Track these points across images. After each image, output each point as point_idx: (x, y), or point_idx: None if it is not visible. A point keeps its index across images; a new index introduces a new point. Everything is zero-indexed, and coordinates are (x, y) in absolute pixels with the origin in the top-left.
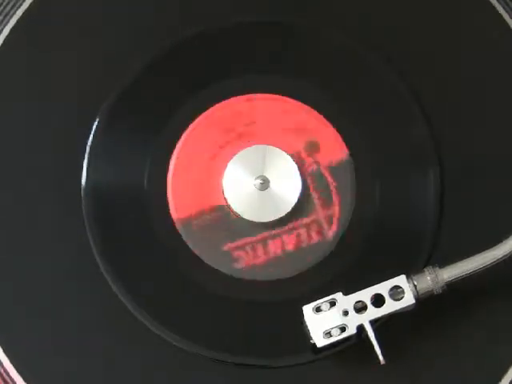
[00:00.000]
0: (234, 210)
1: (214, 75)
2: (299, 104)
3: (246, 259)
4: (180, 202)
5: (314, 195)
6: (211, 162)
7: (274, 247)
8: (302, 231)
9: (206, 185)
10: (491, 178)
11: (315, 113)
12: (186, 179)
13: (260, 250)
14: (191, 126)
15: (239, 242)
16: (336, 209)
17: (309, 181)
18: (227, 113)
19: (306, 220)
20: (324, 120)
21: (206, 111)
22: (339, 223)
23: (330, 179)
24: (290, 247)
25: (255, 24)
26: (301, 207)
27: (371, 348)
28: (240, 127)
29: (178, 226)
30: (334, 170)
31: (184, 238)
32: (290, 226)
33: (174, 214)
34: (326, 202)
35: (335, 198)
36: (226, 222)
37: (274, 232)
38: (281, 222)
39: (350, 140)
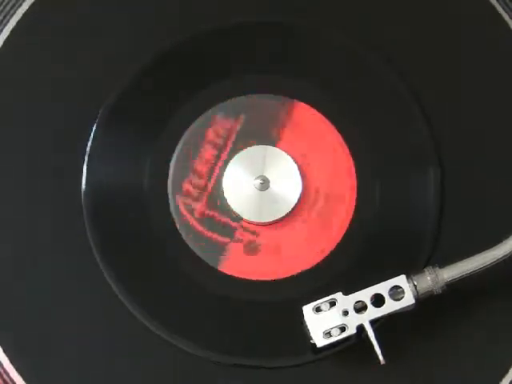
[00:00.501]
0: (234, 210)
1: (213, 75)
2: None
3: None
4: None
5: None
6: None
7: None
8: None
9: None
10: (491, 177)
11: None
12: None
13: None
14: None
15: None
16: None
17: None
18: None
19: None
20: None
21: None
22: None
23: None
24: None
25: (255, 24)
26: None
27: (371, 348)
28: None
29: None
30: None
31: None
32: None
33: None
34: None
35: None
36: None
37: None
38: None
39: (350, 140)
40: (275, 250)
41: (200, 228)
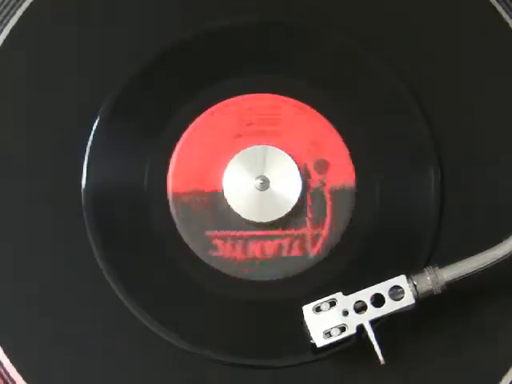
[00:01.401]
0: (234, 210)
1: (213, 75)
2: (298, 103)
3: (246, 259)
4: (180, 202)
5: (314, 195)
6: (211, 162)
7: (273, 247)
8: (303, 230)
9: (205, 185)
10: (491, 178)
11: (315, 113)
12: (186, 179)
13: (261, 250)
14: (191, 126)
15: (240, 243)
16: (336, 209)
17: (308, 181)
18: (227, 113)
19: (306, 220)
20: (324, 120)
21: (205, 111)
22: (339, 223)
23: (329, 179)
24: (290, 247)
25: (255, 24)
26: (301, 208)
27: (371, 348)
28: (240, 127)
29: (178, 226)
30: (334, 169)
31: (184, 238)
32: (291, 225)
33: (174, 213)
34: (326, 202)
35: (335, 199)
36: (226, 221)
37: (274, 232)
38: (281, 221)
39: (350, 140)
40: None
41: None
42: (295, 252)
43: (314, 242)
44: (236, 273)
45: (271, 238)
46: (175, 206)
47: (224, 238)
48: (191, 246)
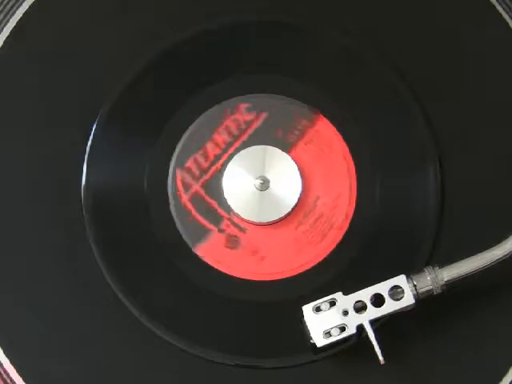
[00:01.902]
0: (234, 210)
1: (213, 75)
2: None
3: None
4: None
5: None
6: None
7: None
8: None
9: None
10: (491, 177)
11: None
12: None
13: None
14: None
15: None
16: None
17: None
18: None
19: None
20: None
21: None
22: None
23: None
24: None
25: (255, 24)
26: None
27: (371, 348)
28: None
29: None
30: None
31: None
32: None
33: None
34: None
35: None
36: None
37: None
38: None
39: (350, 140)
40: (275, 249)
41: (190, 207)
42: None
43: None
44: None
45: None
46: (175, 206)
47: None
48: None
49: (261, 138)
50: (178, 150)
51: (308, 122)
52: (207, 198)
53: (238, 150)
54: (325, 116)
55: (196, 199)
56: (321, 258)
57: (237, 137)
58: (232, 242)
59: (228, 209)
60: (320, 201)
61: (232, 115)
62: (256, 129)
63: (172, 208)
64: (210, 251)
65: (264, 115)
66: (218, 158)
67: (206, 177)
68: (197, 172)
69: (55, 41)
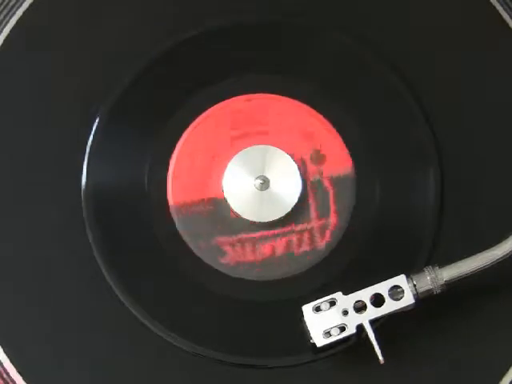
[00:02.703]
0: (234, 210)
1: (213, 75)
2: (298, 104)
3: (246, 259)
4: (180, 202)
5: (314, 195)
6: (211, 162)
7: (273, 247)
8: (303, 231)
9: (205, 185)
10: (491, 177)
11: (315, 113)
12: (186, 179)
13: (260, 250)
14: (191, 126)
15: (239, 242)
16: (336, 209)
17: (309, 181)
18: (227, 113)
19: (306, 220)
20: (324, 120)
21: (205, 111)
22: (339, 223)
23: (329, 179)
24: (289, 247)
25: (255, 24)
26: (301, 207)
27: (371, 348)
28: (240, 127)
29: (178, 226)
30: (334, 170)
31: (184, 238)
32: (290, 225)
33: (174, 213)
34: (326, 203)
35: (335, 199)
36: (225, 221)
37: (273, 232)
38: (281, 222)
39: (350, 140)
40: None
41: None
42: (314, 238)
43: (329, 223)
44: (236, 273)
45: (276, 236)
46: (176, 210)
47: (225, 237)
48: (191, 245)
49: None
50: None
51: None
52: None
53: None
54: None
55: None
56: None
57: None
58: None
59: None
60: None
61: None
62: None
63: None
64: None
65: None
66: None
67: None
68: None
69: (55, 41)
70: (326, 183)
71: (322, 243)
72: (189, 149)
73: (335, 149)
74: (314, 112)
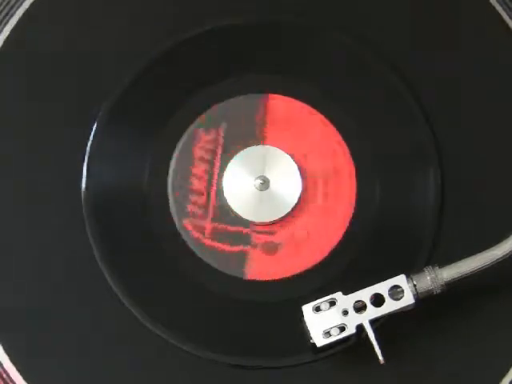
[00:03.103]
0: (234, 209)
1: (213, 75)
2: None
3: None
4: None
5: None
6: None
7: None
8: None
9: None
10: (491, 177)
11: (315, 113)
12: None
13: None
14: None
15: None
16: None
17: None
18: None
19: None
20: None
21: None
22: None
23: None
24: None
25: (255, 24)
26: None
27: (371, 348)
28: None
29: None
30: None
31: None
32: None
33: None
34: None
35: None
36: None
37: (273, 232)
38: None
39: (349, 140)
40: (275, 249)
41: (214, 243)
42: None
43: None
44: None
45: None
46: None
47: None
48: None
49: (239, 144)
50: (178, 150)
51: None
52: (224, 227)
53: (222, 168)
54: (324, 116)
55: (216, 234)
56: (321, 258)
57: (212, 161)
58: (271, 249)
59: (246, 223)
60: (320, 200)
61: (197, 144)
62: (225, 143)
63: (172, 209)
64: (259, 268)
65: (223, 127)
66: (208, 189)
67: (211, 208)
68: (200, 211)
69: (55, 41)
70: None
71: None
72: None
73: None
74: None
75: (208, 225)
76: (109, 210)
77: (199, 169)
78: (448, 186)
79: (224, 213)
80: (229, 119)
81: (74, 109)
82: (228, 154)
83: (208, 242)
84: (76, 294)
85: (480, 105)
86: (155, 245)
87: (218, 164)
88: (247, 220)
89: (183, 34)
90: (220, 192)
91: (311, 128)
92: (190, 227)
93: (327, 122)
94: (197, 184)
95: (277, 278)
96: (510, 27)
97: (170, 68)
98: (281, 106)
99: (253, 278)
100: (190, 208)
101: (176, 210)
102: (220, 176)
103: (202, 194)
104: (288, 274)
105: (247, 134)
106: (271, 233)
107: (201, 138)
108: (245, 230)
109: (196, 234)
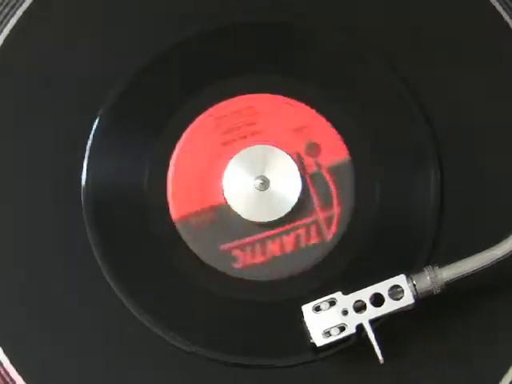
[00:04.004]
0: (234, 209)
1: (213, 75)
2: (299, 104)
3: (245, 259)
4: (180, 202)
5: (314, 195)
6: (211, 162)
7: (273, 247)
8: (302, 231)
9: (205, 185)
10: (491, 177)
11: (315, 113)
12: (186, 179)
13: (259, 250)
14: (191, 126)
15: (238, 242)
16: (336, 209)
17: (309, 181)
18: (227, 113)
19: (305, 220)
20: (324, 120)
21: (205, 111)
22: (339, 223)
23: (329, 180)
24: (289, 247)
25: (255, 24)
26: (301, 207)
27: (371, 347)
28: (240, 127)
29: (178, 226)
30: (334, 170)
31: (184, 237)
32: (290, 226)
33: (174, 213)
34: (326, 203)
35: (335, 199)
36: (225, 221)
37: (273, 232)
38: (280, 222)
39: (350, 140)
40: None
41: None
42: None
43: (328, 223)
44: (236, 273)
45: (277, 235)
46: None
47: (225, 237)
48: (191, 245)
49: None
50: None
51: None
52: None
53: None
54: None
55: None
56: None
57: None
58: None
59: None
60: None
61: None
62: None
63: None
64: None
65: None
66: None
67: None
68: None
69: (55, 41)
70: (326, 182)
71: (321, 243)
72: (189, 149)
73: (335, 149)
74: (314, 112)
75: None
76: (109, 209)
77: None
78: (448, 186)
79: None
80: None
81: (74, 109)
82: (237, 148)
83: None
84: (76, 294)
85: (480, 105)
86: (155, 245)
87: (224, 156)
88: (247, 220)
89: (183, 34)
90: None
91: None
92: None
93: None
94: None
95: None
96: (510, 27)
97: (170, 68)
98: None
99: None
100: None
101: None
102: (223, 169)
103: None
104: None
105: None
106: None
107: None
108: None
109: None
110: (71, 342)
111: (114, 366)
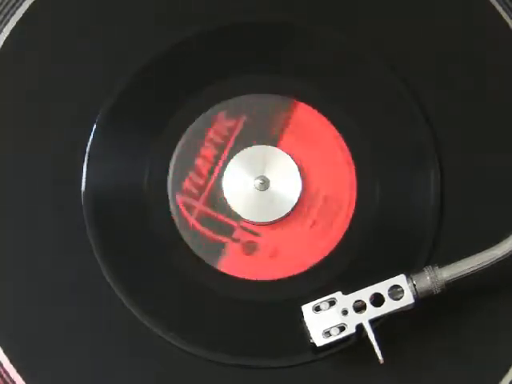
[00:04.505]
0: (234, 209)
1: (213, 75)
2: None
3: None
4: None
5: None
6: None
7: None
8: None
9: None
10: (491, 178)
11: (315, 113)
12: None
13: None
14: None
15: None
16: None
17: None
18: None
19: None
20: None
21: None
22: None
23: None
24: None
25: (255, 24)
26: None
27: (371, 347)
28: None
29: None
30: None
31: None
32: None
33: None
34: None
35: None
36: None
37: (273, 232)
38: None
39: (350, 140)
40: (275, 249)
41: (199, 227)
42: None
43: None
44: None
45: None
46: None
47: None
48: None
49: (248, 139)
50: (178, 149)
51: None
52: (213, 213)
53: (227, 161)
54: (324, 116)
55: (203, 218)
56: (321, 258)
57: (223, 147)
58: (249, 248)
59: (237, 217)
60: (320, 200)
61: (213, 126)
62: (239, 133)
63: (172, 208)
64: (232, 263)
65: (243, 118)
66: (210, 171)
67: (206, 193)
68: (196, 191)
69: (55, 41)
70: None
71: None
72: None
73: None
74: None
75: (199, 206)
76: (109, 209)
77: (208, 151)
78: (448, 186)
79: (217, 200)
80: (250, 113)
81: (74, 109)
82: (238, 147)
83: (194, 223)
84: (76, 294)
85: (480, 105)
86: (155, 245)
87: (226, 153)
88: (247, 220)
89: (183, 33)
90: (219, 181)
91: (311, 128)
92: (181, 205)
93: (327, 122)
94: (201, 164)
95: (277, 278)
96: (510, 27)
97: (170, 68)
98: (280, 105)
99: (225, 271)
100: (186, 184)
101: (176, 209)
102: (224, 166)
103: (202, 177)
104: (288, 274)
105: (260, 132)
106: (270, 231)
107: (218, 121)
108: (234, 223)
109: (185, 214)
110: (71, 341)
111: (114, 366)
